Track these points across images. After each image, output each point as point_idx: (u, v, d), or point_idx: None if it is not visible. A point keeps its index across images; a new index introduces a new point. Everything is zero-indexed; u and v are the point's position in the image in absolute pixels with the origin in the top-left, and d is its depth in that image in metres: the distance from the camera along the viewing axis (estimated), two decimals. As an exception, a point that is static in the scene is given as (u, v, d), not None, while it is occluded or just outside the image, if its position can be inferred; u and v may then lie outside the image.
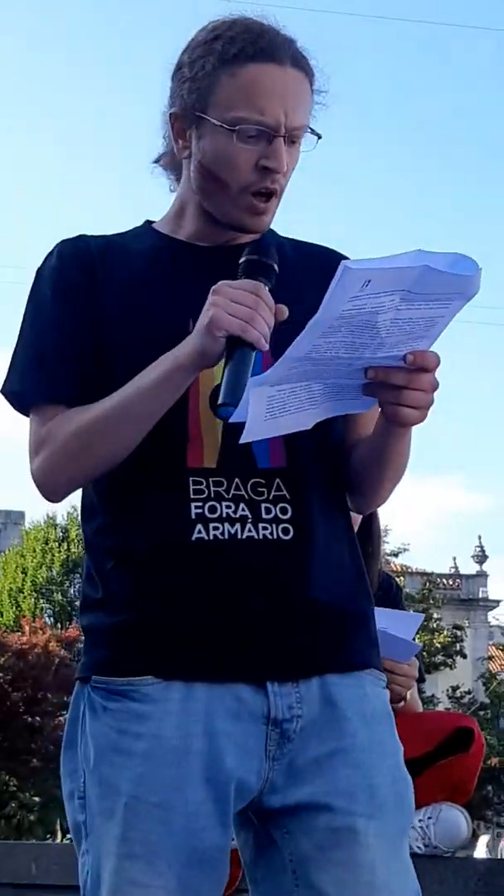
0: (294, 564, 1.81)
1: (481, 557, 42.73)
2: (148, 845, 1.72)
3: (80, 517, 1.97)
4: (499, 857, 16.12)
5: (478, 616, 39.40)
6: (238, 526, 1.80)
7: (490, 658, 37.02)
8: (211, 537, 1.79)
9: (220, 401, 1.67)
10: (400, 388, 1.71)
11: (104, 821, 1.75)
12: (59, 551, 37.42)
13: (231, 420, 1.70)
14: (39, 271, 1.92)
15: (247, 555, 1.79)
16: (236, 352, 1.68)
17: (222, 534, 1.79)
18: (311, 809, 1.77)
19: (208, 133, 1.84)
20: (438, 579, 38.72)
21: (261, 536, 1.80)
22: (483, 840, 17.27)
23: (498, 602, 41.17)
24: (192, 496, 1.80)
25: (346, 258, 1.83)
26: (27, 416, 1.89)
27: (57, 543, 37.70)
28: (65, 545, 37.57)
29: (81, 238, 1.93)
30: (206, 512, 1.80)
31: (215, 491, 1.81)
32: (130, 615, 1.80)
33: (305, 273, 1.88)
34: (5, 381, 1.91)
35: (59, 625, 34.05)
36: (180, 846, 1.73)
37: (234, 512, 1.80)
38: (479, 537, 43.70)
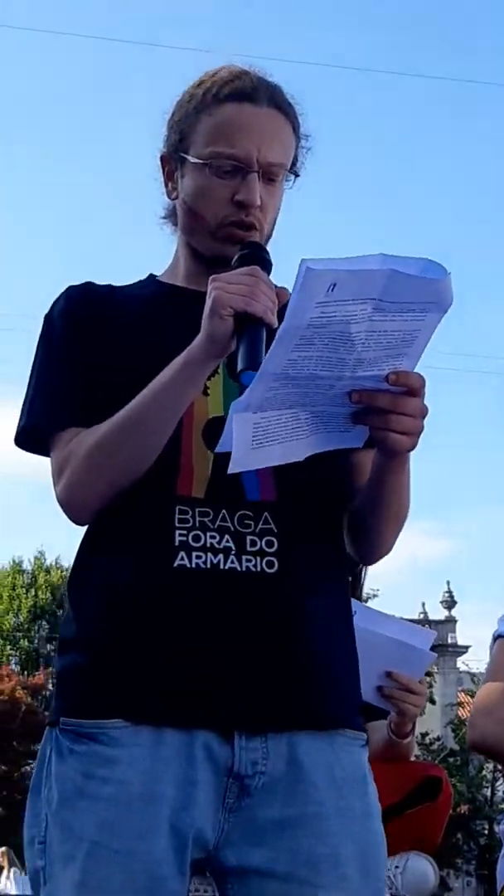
0: (276, 599, 1.77)
1: (450, 603, 42.69)
2: (108, 893, 1.69)
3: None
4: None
5: (447, 662, 39.27)
6: (221, 556, 1.77)
7: (459, 704, 36.88)
8: (193, 565, 1.76)
9: (238, 367, 1.62)
10: (387, 412, 1.66)
11: (63, 867, 1.72)
12: (27, 597, 37.19)
13: (217, 450, 1.67)
14: (48, 316, 1.96)
15: (228, 586, 1.76)
16: (246, 330, 1.65)
17: (205, 563, 1.76)
18: (265, 876, 1.74)
19: (189, 171, 1.91)
20: (408, 625, 38.47)
21: (243, 568, 1.77)
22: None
23: (467, 648, 41.12)
24: (176, 524, 1.78)
25: None
26: (47, 454, 1.89)
27: (24, 590, 37.46)
28: (32, 591, 37.34)
29: (88, 283, 1.99)
30: (190, 540, 1.77)
31: (200, 521, 1.78)
32: (104, 654, 1.76)
33: None
34: (19, 422, 1.92)
35: (25, 672, 33.78)
36: (142, 894, 1.69)
37: (219, 543, 1.78)
38: (448, 583, 43.76)
